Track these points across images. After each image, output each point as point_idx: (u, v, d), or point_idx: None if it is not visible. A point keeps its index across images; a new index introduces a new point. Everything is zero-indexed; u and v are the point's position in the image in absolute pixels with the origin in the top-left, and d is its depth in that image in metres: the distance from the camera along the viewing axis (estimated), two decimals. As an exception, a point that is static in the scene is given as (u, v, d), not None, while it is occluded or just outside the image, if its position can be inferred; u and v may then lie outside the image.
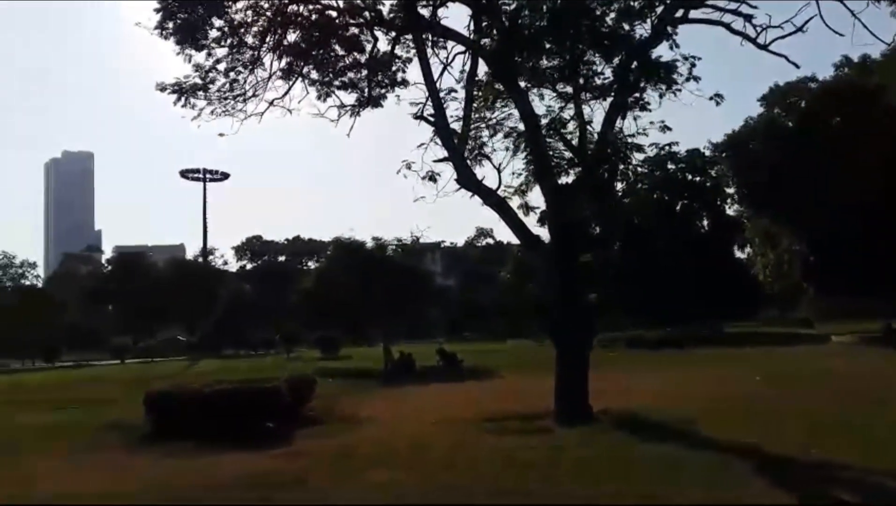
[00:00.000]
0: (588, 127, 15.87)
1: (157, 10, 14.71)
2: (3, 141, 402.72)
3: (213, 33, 15.13)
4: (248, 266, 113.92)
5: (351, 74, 17.18)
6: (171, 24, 14.76)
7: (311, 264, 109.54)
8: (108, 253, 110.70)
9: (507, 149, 16.93)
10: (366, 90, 17.21)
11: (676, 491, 8.07)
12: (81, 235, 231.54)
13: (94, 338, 77.95)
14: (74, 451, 12.63)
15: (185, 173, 75.77)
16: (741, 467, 9.18)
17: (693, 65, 14.61)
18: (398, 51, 16.69)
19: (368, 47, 16.68)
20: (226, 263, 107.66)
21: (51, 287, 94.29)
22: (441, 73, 15.95)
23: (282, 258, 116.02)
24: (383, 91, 17.59)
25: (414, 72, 16.73)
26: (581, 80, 15.87)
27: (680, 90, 14.81)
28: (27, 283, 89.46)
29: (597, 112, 15.98)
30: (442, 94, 15.80)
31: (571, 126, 16.22)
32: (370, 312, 40.48)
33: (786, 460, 9.57)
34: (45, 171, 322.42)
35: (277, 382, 14.96)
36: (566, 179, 16.18)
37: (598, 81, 15.82)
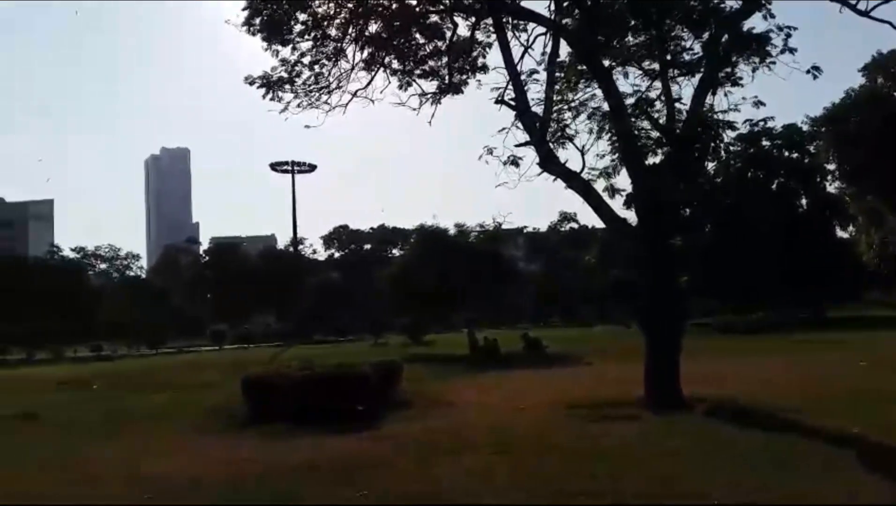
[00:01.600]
0: (676, 105, 15.31)
1: (245, 8, 15.20)
2: (107, 140, 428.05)
3: (298, 27, 15.51)
4: (336, 255, 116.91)
5: (431, 62, 17.26)
6: (257, 21, 15.23)
7: (396, 252, 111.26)
8: (205, 244, 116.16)
9: (590, 130, 16.57)
10: (446, 77, 17.24)
11: (790, 486, 7.66)
12: (180, 227, 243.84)
13: (194, 325, 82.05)
14: (181, 432, 13.36)
15: (274, 166, 78.17)
16: (852, 458, 8.67)
17: (788, 35, 13.80)
18: (478, 36, 16.62)
19: (448, 34, 16.70)
20: (314, 252, 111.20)
21: (153, 277, 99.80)
22: (522, 56, 15.75)
23: (367, 246, 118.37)
24: (464, 77, 17.57)
25: (494, 56, 16.63)
26: (668, 57, 15.32)
27: (774, 63, 14.06)
28: (132, 274, 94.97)
29: (685, 89, 15.39)
30: (523, 78, 15.60)
31: (658, 104, 15.69)
32: (454, 298, 40.67)
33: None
34: (146, 167, 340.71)
35: (366, 367, 15.29)
36: (654, 160, 15.72)
37: (687, 57, 15.23)
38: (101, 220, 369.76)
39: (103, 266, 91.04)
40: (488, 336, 31.75)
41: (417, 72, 17.17)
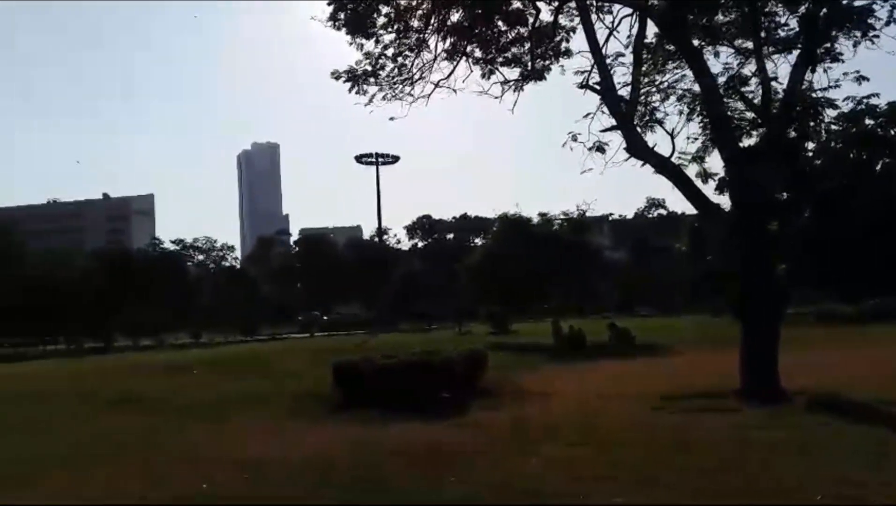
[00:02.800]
0: (772, 83, 14.61)
1: (330, 3, 15.51)
2: (202, 137, 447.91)
3: (381, 20, 15.72)
4: (420, 244, 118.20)
5: (514, 49, 17.13)
6: (342, 16, 15.51)
7: (478, 241, 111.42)
8: (294, 235, 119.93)
9: (680, 113, 16.07)
10: (529, 64, 17.07)
11: None
12: (271, 219, 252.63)
13: (285, 313, 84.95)
14: (274, 416, 13.86)
15: (359, 158, 79.81)
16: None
17: (894, 7, 12.91)
18: (561, 20, 16.38)
19: (531, 20, 16.52)
20: (398, 242, 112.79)
21: (247, 268, 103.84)
22: (606, 39, 15.41)
23: (450, 236, 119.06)
24: (547, 63, 17.36)
25: (578, 40, 16.34)
26: (762, 34, 14.61)
27: (878, 36, 13.21)
28: (227, 264, 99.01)
29: (781, 67, 14.68)
30: (608, 61, 15.27)
31: (753, 84, 15.04)
32: (538, 287, 40.39)
33: None
34: (238, 162, 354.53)
35: (452, 355, 15.41)
36: (748, 142, 15.08)
37: (782, 33, 14.50)
38: (199, 213, 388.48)
39: (200, 257, 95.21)
40: (573, 326, 31.31)
41: (500, 59, 17.09)
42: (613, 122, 14.82)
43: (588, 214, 43.74)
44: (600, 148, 15.10)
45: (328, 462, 9.26)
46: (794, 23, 14.19)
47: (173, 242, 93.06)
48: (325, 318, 75.19)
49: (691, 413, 11.78)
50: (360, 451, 9.95)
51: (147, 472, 9.28)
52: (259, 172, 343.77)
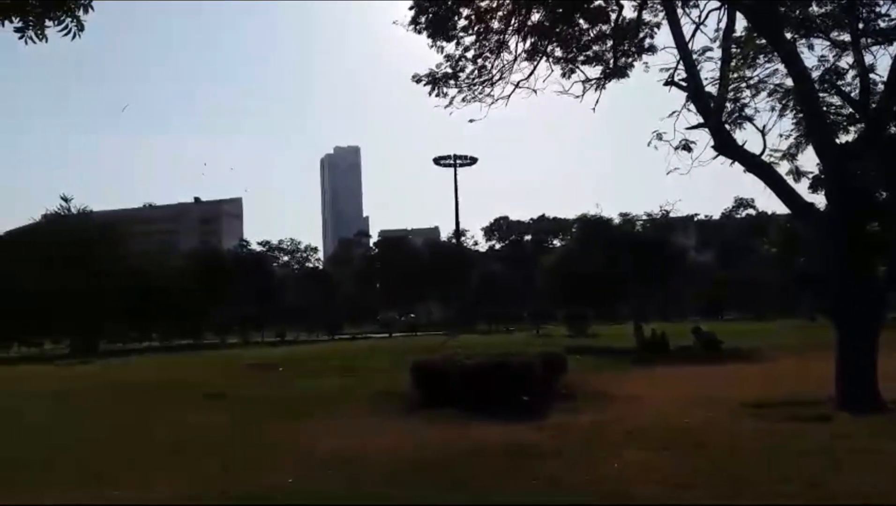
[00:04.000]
0: (871, 76, 13.82)
1: (411, 7, 15.71)
2: (286, 141, 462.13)
3: (461, 22, 15.79)
4: (497, 246, 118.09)
5: (596, 47, 16.85)
6: (423, 19, 15.68)
7: (557, 243, 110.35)
8: (374, 237, 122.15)
9: (772, 109, 15.42)
10: (611, 61, 16.77)
11: None
12: (352, 221, 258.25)
13: (366, 313, 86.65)
14: (355, 413, 14.16)
15: (437, 160, 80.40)
16: None
17: None
18: (645, 16, 16.01)
19: (613, 17, 16.22)
20: (476, 243, 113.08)
21: (329, 269, 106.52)
22: (693, 34, 14.93)
23: (528, 237, 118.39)
24: (629, 60, 17.00)
25: (662, 36, 15.90)
26: (860, 24, 13.85)
27: None
28: (310, 265, 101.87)
29: (881, 59, 13.86)
30: (695, 56, 14.80)
31: (849, 77, 14.26)
32: (619, 289, 39.61)
33: None
34: (321, 165, 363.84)
35: (531, 357, 15.32)
36: (845, 138, 14.31)
37: (882, 24, 13.69)
38: (284, 216, 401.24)
39: (285, 258, 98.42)
40: (656, 329, 30.55)
41: (581, 58, 16.85)
42: (700, 119, 14.36)
43: (672, 214, 42.52)
44: (686, 147, 14.65)
45: (410, 460, 9.38)
46: (895, 12, 13.41)
47: (260, 243, 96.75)
48: (403, 319, 76.16)
49: (781, 421, 11.30)
50: (441, 450, 10.02)
51: (234, 466, 9.65)
52: (341, 175, 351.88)
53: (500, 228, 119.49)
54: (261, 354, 36.97)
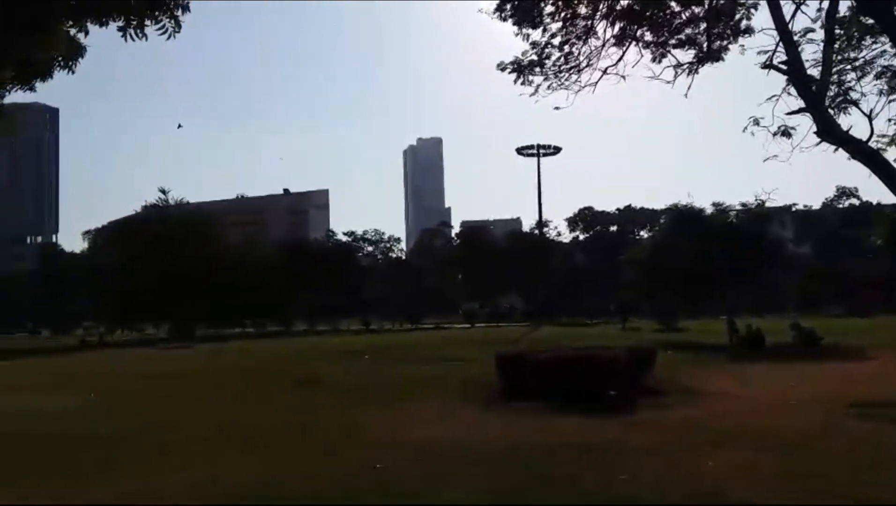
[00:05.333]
0: None
1: (496, -5, 15.54)
2: (370, 133, 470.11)
3: (548, 8, 15.51)
4: (581, 237, 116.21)
5: (688, 30, 16.20)
6: (508, 6, 15.49)
7: (644, 234, 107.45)
8: (456, 228, 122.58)
9: (880, 92, 14.45)
10: (705, 45, 16.09)
11: None
12: (434, 212, 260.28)
13: (447, 303, 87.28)
14: (440, 402, 14.26)
15: (520, 150, 79.90)
16: None
17: None
18: (741, -4, 15.24)
19: (707, -1, 15.54)
20: (559, 234, 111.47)
21: (412, 259, 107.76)
22: (793, 14, 14.12)
23: (613, 228, 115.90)
24: (724, 43, 16.26)
25: (760, 17, 15.15)
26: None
27: None
28: (394, 256, 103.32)
29: None
30: (796, 38, 14.01)
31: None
32: (710, 282, 38.13)
33: None
34: (404, 157, 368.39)
35: (618, 350, 14.97)
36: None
37: None
38: (368, 206, 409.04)
39: (370, 249, 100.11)
40: (751, 324, 29.29)
41: (672, 42, 16.24)
42: (801, 104, 13.58)
43: (768, 204, 40.49)
44: (786, 132, 13.92)
45: (496, 452, 9.34)
46: None
47: (346, 234, 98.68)
48: (486, 309, 76.25)
49: (889, 422, 10.60)
50: (527, 442, 9.94)
51: (323, 449, 9.88)
52: (423, 166, 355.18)
53: (584, 218, 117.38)
54: (348, 341, 37.85)
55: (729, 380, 16.93)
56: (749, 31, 15.75)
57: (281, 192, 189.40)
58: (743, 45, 15.75)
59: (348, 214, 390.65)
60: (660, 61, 16.21)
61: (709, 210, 41.25)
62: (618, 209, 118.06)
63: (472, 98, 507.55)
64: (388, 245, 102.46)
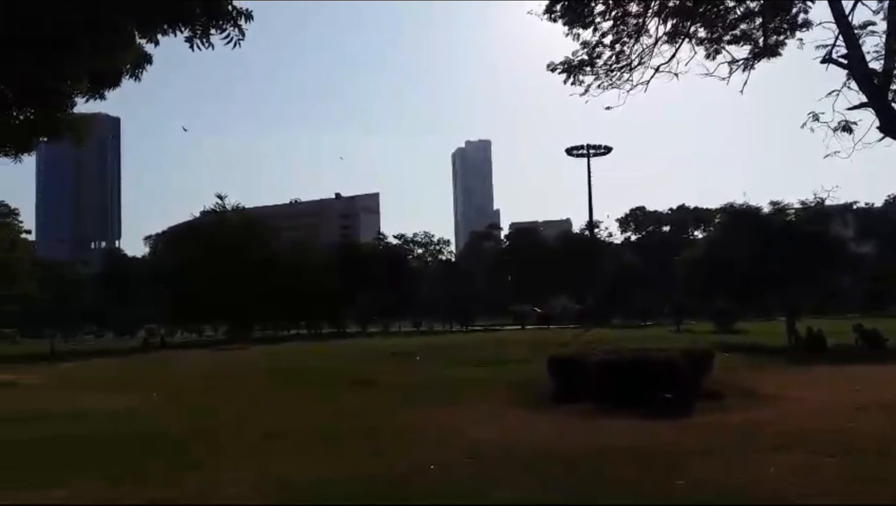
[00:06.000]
0: None
1: (547, -4, 15.48)
2: (420, 137, 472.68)
3: (599, 7, 15.38)
4: (633, 237, 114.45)
5: (743, 26, 15.84)
6: (558, 7, 15.42)
7: (698, 234, 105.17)
8: (505, 230, 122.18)
9: (950, 85, 13.77)
10: (761, 40, 15.72)
11: None
12: (483, 214, 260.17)
13: (497, 305, 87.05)
14: (492, 403, 14.31)
15: (570, 151, 79.14)
16: None
17: None
18: (799, -11, 14.83)
19: (763, -9, 15.18)
20: (610, 235, 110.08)
21: (461, 261, 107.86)
22: (854, 7, 13.66)
23: (666, 228, 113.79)
24: (781, 38, 15.85)
25: (819, 10, 14.69)
26: None
27: None
28: (443, 258, 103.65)
29: None
30: (856, 31, 13.56)
31: None
32: (768, 283, 37.11)
33: None
34: (453, 160, 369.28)
35: (673, 352, 14.74)
36: None
37: None
38: (418, 209, 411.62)
39: (420, 251, 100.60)
40: (811, 326, 28.40)
41: (727, 38, 15.90)
42: (863, 98, 13.13)
43: (828, 202, 39.19)
44: (847, 128, 13.44)
45: (551, 454, 9.32)
46: None
47: (396, 237, 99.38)
48: (537, 310, 75.77)
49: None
50: (581, 444, 9.89)
51: (376, 449, 10.02)
52: (472, 168, 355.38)
53: (636, 218, 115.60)
54: (400, 343, 38.16)
55: (789, 383, 16.47)
56: (807, 24, 15.31)
57: (333, 196, 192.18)
58: (801, 40, 15.30)
59: (399, 217, 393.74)
60: (714, 58, 15.90)
61: (766, 209, 40.15)
62: (670, 209, 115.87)
63: (521, 100, 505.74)
64: (438, 247, 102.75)
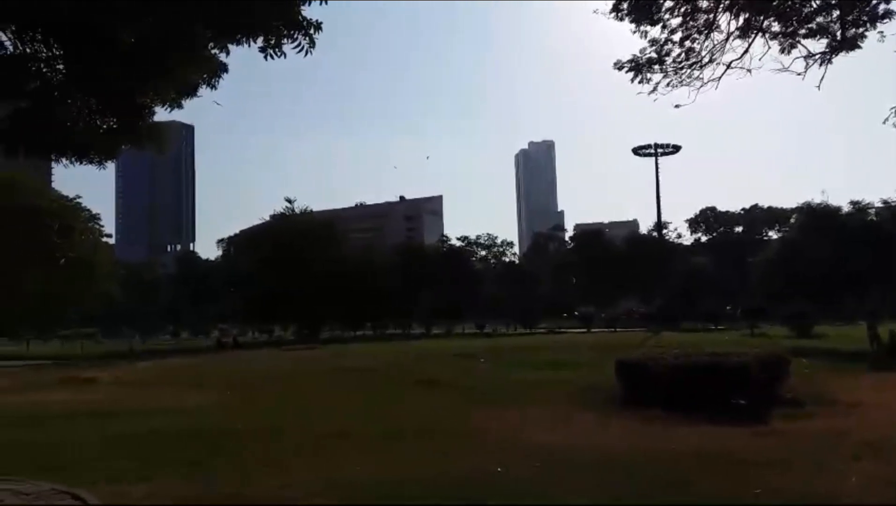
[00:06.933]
0: None
1: (614, -6, 15.31)
2: (482, 139, 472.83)
3: (667, 4, 15.11)
4: (703, 238, 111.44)
5: (820, 18, 15.30)
6: (625, 5, 15.23)
7: (772, 234, 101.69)
8: (570, 231, 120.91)
9: None
10: (838, 33, 15.11)
11: None
12: (547, 216, 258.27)
13: (562, 308, 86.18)
14: (559, 406, 14.16)
15: (636, 150, 77.70)
16: None
17: None
18: (880, -22, 14.21)
19: (841, -17, 14.60)
20: (679, 236, 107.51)
21: (525, 263, 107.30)
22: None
23: (738, 229, 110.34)
24: (860, 30, 15.22)
25: (902, -1, 14.02)
26: None
27: None
28: (507, 260, 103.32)
29: None
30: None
31: None
32: (848, 286, 35.49)
33: None
34: (516, 161, 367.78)
35: (746, 357, 14.27)
36: None
37: None
38: (481, 211, 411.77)
39: (483, 253, 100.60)
40: (894, 330, 26.98)
41: (802, 31, 15.38)
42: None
43: (914, 200, 37.28)
44: (934, 123, 12.82)
45: (619, 459, 9.15)
46: None
47: (459, 239, 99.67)
48: (602, 314, 74.67)
49: None
50: (650, 449, 9.69)
51: (442, 450, 10.07)
52: (535, 170, 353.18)
53: (706, 219, 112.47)
54: (463, 344, 38.23)
55: (870, 390, 15.72)
56: (888, 15, 14.69)
57: (397, 199, 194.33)
58: (881, 32, 14.70)
59: (461, 220, 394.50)
60: (789, 52, 15.42)
61: (846, 208, 38.45)
62: (743, 209, 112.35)
63: (584, 100, 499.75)
64: (501, 249, 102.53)
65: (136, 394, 19.09)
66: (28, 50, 7.13)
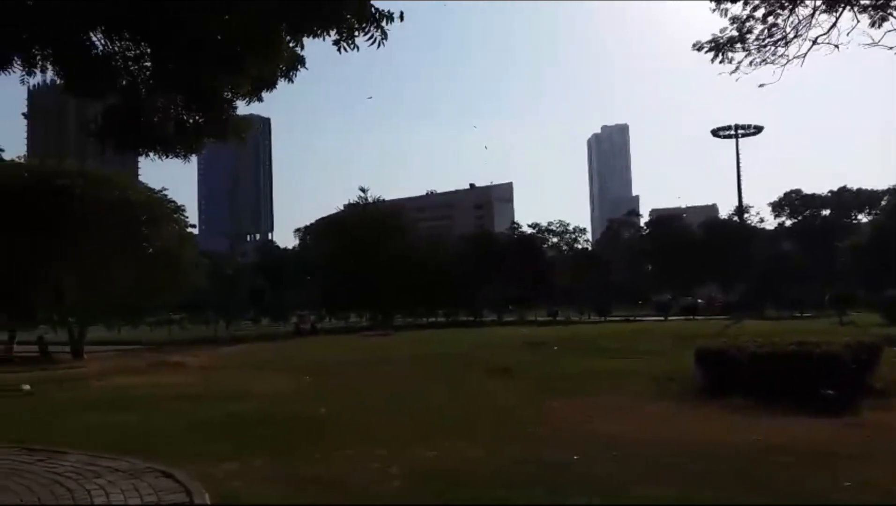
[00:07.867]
0: None
1: (694, -26, 14.81)
2: (554, 124, 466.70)
3: (751, -21, 14.50)
4: (787, 223, 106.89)
5: (919, -12, 14.34)
6: (705, -17, 14.70)
7: (862, 218, 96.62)
8: (645, 217, 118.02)
9: None
10: (939, 2, 14.14)
11: None
12: (621, 201, 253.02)
13: (637, 295, 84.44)
14: (635, 395, 13.92)
15: (716, 132, 75.19)
16: None
17: None
18: None
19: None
20: (762, 220, 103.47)
21: (598, 250, 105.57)
22: None
23: (825, 212, 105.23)
24: (960, -1, 14.18)
25: None
26: None
27: None
28: (579, 246, 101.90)
29: None
30: None
31: None
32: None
33: None
34: (588, 146, 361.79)
35: (836, 346, 13.63)
36: None
37: None
38: (552, 197, 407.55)
39: (555, 240, 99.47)
40: None
41: (894, 3, 14.46)
42: None
43: None
44: None
45: (700, 452, 8.89)
46: None
47: (530, 226, 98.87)
48: (680, 302, 72.73)
49: None
50: (732, 441, 9.41)
51: (514, 437, 10.07)
52: (608, 154, 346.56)
53: (790, 202, 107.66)
54: (536, 332, 38.06)
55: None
56: None
57: (467, 186, 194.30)
58: None
59: (533, 206, 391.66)
60: (880, 25, 14.55)
61: (946, 189, 36.07)
62: (830, 191, 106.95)
63: (659, 82, 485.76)
64: (574, 236, 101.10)
65: (221, 377, 19.91)
66: (116, 49, 7.46)
